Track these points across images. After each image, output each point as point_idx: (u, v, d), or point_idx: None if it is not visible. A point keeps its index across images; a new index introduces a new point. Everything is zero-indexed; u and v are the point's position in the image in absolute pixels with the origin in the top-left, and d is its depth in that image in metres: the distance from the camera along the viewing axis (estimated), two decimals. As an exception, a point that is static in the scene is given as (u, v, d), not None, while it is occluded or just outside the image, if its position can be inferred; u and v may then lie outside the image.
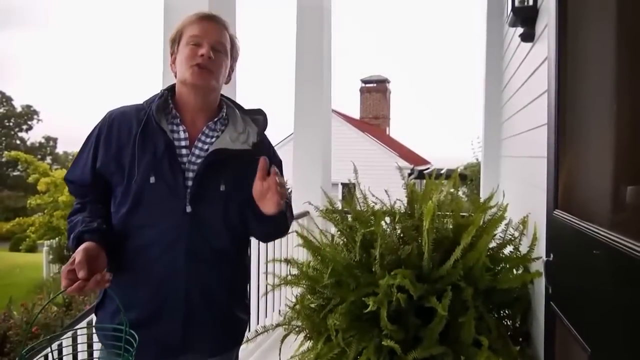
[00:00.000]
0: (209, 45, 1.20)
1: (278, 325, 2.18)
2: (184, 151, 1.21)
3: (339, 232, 2.18)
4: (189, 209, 1.17)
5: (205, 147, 1.22)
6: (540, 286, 1.79)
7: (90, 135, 1.24)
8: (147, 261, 1.17)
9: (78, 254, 1.04)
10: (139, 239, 1.17)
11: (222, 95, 1.32)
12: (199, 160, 1.20)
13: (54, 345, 1.91)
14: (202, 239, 1.19)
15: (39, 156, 29.68)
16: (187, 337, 1.20)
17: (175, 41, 1.25)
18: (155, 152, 1.17)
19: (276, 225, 1.25)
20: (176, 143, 1.20)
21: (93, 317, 1.64)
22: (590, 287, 1.08)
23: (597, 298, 1.03)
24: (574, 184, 1.36)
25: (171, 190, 1.17)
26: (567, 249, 1.30)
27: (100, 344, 1.26)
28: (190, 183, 1.18)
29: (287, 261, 2.21)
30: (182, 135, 1.22)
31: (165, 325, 1.19)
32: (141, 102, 1.24)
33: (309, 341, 2.08)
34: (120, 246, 1.17)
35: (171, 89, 1.27)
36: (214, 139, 1.24)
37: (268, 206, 1.16)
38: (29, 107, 34.83)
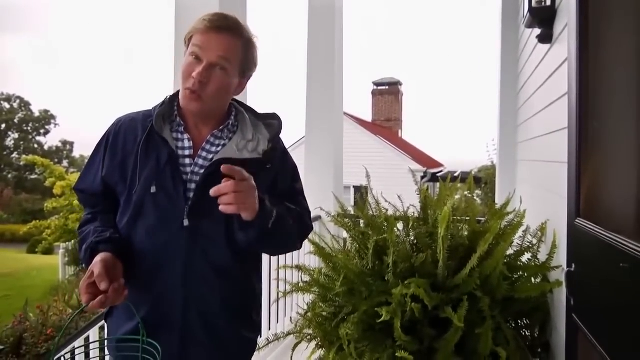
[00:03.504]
0: (207, 63, 1.09)
1: (289, 333, 2.15)
2: (187, 161, 1.14)
3: (351, 238, 2.14)
4: (186, 222, 1.11)
5: (210, 156, 1.15)
6: (560, 296, 1.72)
7: (100, 142, 1.20)
8: (146, 275, 1.13)
9: (96, 267, 1.00)
10: (139, 252, 1.13)
11: (233, 99, 1.24)
12: (202, 171, 1.13)
13: (67, 349, 1.93)
14: (201, 255, 1.13)
15: (56, 160, 30.29)
16: (183, 358, 1.15)
17: (185, 43, 1.16)
18: (158, 161, 1.12)
19: (262, 235, 1.09)
20: (180, 152, 1.15)
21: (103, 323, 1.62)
22: (616, 302, 1.02)
23: (624, 314, 0.97)
24: (597, 191, 1.30)
25: (171, 202, 1.11)
26: (590, 260, 1.24)
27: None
28: (191, 195, 1.12)
29: (299, 268, 2.18)
30: (186, 144, 1.16)
31: (163, 343, 1.10)
32: (151, 107, 1.19)
33: (320, 350, 2.04)
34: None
35: (177, 94, 1.19)
36: (219, 148, 1.17)
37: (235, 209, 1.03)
38: (46, 111, 35.56)
